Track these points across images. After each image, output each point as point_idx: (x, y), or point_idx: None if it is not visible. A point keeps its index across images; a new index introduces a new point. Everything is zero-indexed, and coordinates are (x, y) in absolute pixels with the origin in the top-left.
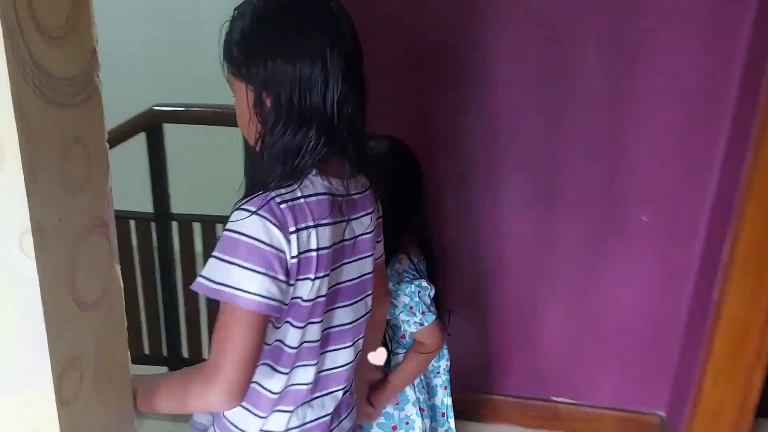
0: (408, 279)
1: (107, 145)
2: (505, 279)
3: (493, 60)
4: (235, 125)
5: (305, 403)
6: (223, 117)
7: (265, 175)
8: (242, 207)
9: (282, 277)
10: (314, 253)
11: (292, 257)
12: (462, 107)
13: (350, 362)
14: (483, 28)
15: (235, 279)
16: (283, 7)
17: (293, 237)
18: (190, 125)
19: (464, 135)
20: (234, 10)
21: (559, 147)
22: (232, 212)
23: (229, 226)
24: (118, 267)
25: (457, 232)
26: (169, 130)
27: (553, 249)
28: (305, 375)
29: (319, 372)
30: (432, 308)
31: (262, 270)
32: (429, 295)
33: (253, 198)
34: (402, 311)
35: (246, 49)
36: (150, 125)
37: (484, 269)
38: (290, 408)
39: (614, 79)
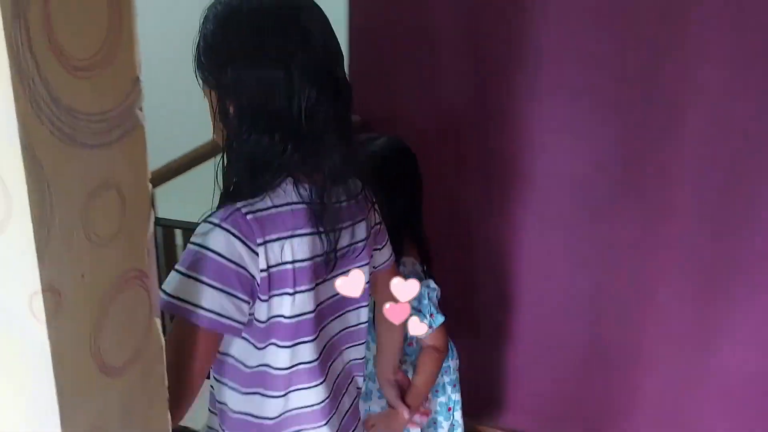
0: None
1: (150, 187)
2: (581, 321)
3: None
4: None
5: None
6: None
7: (235, 184)
8: (207, 219)
9: (241, 295)
10: (290, 266)
11: (261, 270)
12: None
13: (339, 373)
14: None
15: (188, 293)
16: (245, 10)
17: (261, 249)
18: None
19: (555, 152)
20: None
21: (669, 172)
22: (198, 224)
23: (192, 238)
24: (158, 321)
25: (533, 267)
26: None
27: (660, 295)
28: (309, 397)
29: (330, 388)
30: (440, 310)
31: (219, 285)
32: (437, 296)
33: (218, 210)
34: (411, 314)
35: (209, 54)
36: None
37: (555, 307)
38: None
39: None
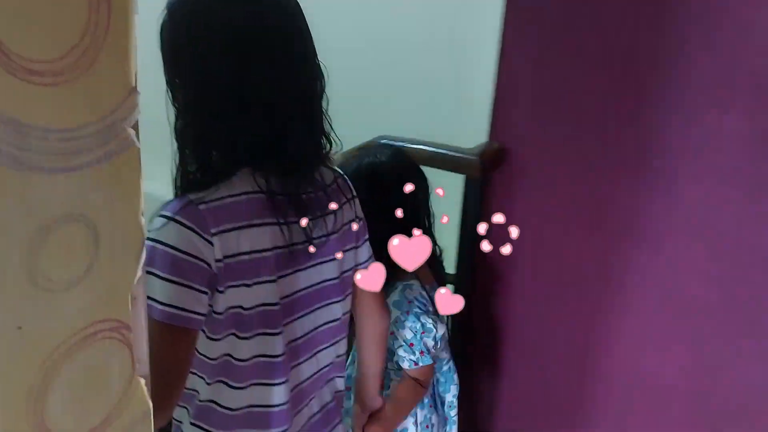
0: (416, 311)
1: (142, 221)
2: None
3: None
4: (456, 170)
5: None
6: (440, 159)
7: (189, 175)
8: (160, 213)
9: (198, 287)
10: (247, 257)
11: (217, 261)
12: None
13: (313, 374)
14: None
15: (148, 289)
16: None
17: (216, 239)
18: None
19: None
20: None
21: None
22: (153, 219)
23: (147, 234)
24: (142, 381)
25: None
26: None
27: None
28: (270, 395)
29: (291, 390)
30: (432, 351)
31: (175, 279)
32: (434, 338)
33: (171, 203)
34: (402, 345)
35: (161, 45)
36: None
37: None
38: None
39: None
